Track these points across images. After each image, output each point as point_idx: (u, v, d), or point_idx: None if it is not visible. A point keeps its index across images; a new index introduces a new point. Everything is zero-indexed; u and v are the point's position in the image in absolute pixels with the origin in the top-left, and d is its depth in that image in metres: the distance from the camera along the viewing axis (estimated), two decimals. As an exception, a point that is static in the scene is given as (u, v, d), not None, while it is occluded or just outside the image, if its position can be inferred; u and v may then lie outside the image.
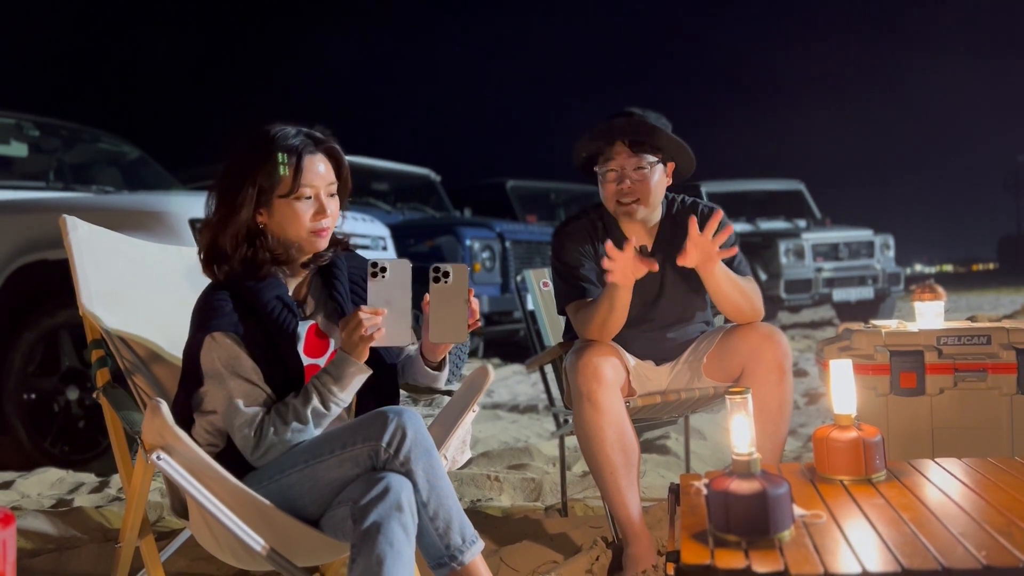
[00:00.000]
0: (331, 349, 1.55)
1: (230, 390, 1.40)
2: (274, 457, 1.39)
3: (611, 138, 2.02)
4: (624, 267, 1.81)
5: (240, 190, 1.44)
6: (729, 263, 2.04)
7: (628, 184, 2.00)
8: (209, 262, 1.50)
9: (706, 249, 1.82)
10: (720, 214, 1.83)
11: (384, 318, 1.38)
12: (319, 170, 1.47)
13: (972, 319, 2.26)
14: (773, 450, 1.91)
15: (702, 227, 1.90)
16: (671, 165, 2.08)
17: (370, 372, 1.42)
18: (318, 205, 1.47)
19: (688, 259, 1.84)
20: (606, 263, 1.79)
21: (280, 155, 1.43)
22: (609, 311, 1.90)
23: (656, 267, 1.82)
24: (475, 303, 1.44)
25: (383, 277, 1.39)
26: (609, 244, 1.79)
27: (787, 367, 1.91)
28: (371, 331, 1.36)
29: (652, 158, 2.01)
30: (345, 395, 1.40)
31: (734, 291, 1.93)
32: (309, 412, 1.38)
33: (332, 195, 1.50)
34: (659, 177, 2.03)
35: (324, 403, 1.39)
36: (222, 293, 1.45)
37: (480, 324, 1.49)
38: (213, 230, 1.48)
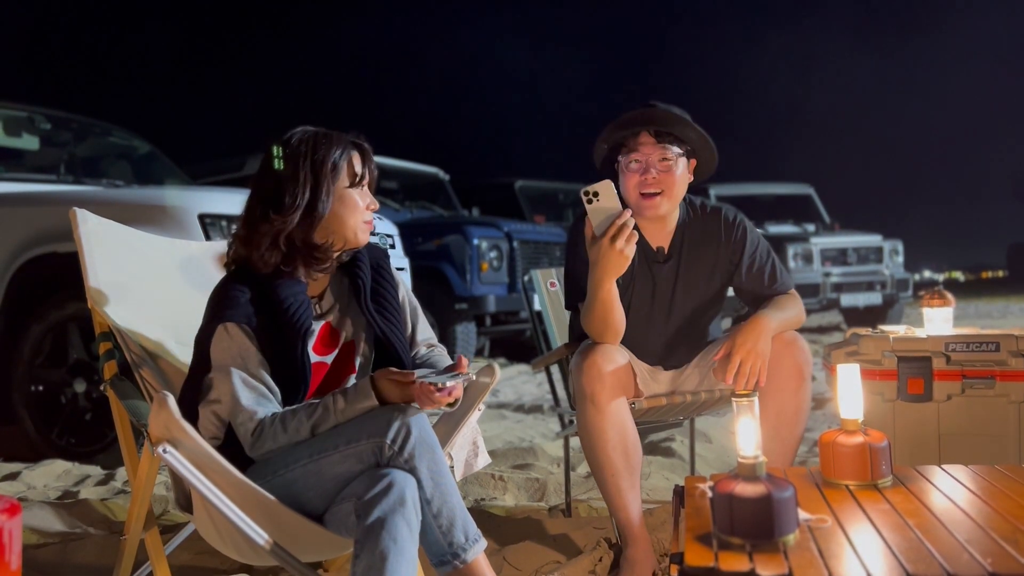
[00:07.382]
0: (339, 345, 1.56)
1: (235, 384, 1.40)
2: (271, 455, 1.40)
3: (636, 128, 1.97)
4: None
5: (320, 186, 1.46)
6: (771, 282, 2.07)
7: (653, 175, 1.94)
8: (239, 262, 1.50)
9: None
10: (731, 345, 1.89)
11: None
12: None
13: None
14: (786, 454, 1.91)
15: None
16: (692, 162, 2.03)
17: (378, 404, 1.40)
18: (369, 197, 1.53)
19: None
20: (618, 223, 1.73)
21: (346, 146, 1.50)
22: (602, 308, 1.84)
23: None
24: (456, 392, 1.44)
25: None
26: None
27: (807, 373, 1.90)
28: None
29: (677, 150, 1.96)
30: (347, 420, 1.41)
31: (788, 328, 1.99)
32: (310, 427, 1.39)
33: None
34: (682, 171, 1.99)
35: (326, 424, 1.39)
36: (240, 285, 1.46)
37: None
38: (282, 228, 1.45)
